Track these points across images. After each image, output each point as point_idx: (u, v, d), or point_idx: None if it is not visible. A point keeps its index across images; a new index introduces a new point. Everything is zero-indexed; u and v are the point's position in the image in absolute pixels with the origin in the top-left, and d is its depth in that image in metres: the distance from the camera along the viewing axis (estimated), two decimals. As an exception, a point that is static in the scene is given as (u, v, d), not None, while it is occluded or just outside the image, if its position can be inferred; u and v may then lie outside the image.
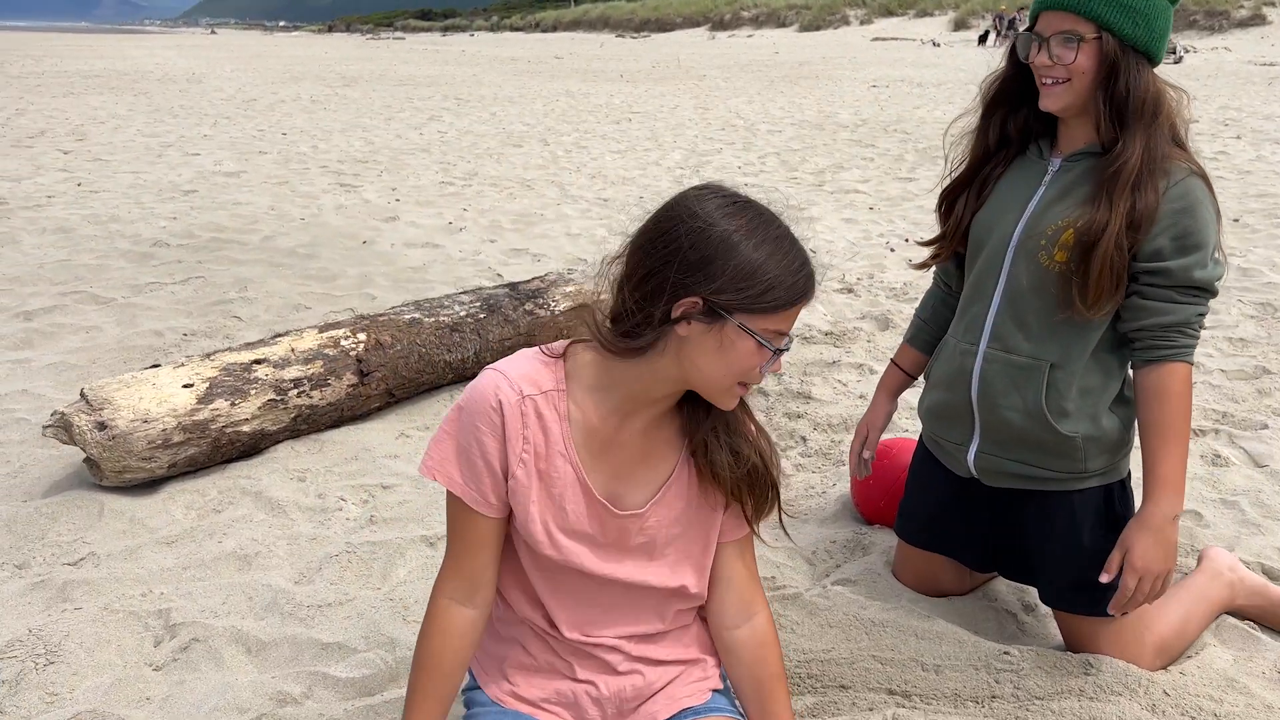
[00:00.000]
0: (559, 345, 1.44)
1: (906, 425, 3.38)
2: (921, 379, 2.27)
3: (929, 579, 2.32)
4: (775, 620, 2.18)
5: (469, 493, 1.41)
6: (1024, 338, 1.94)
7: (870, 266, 5.58)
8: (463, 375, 3.58)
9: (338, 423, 3.26)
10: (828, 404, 3.56)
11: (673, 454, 1.47)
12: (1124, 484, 2.03)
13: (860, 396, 3.62)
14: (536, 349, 1.44)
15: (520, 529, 1.44)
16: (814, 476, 3.01)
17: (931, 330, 2.27)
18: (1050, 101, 1.85)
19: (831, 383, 3.78)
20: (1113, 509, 1.99)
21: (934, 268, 2.25)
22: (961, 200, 2.08)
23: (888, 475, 2.57)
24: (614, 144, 10.77)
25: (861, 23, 45.33)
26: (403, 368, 3.36)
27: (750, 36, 45.17)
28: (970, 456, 2.05)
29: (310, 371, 3.13)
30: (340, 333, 3.29)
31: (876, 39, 37.41)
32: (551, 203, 7.47)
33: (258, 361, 3.07)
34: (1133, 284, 1.84)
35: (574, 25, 51.47)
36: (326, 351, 3.20)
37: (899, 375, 2.33)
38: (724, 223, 1.28)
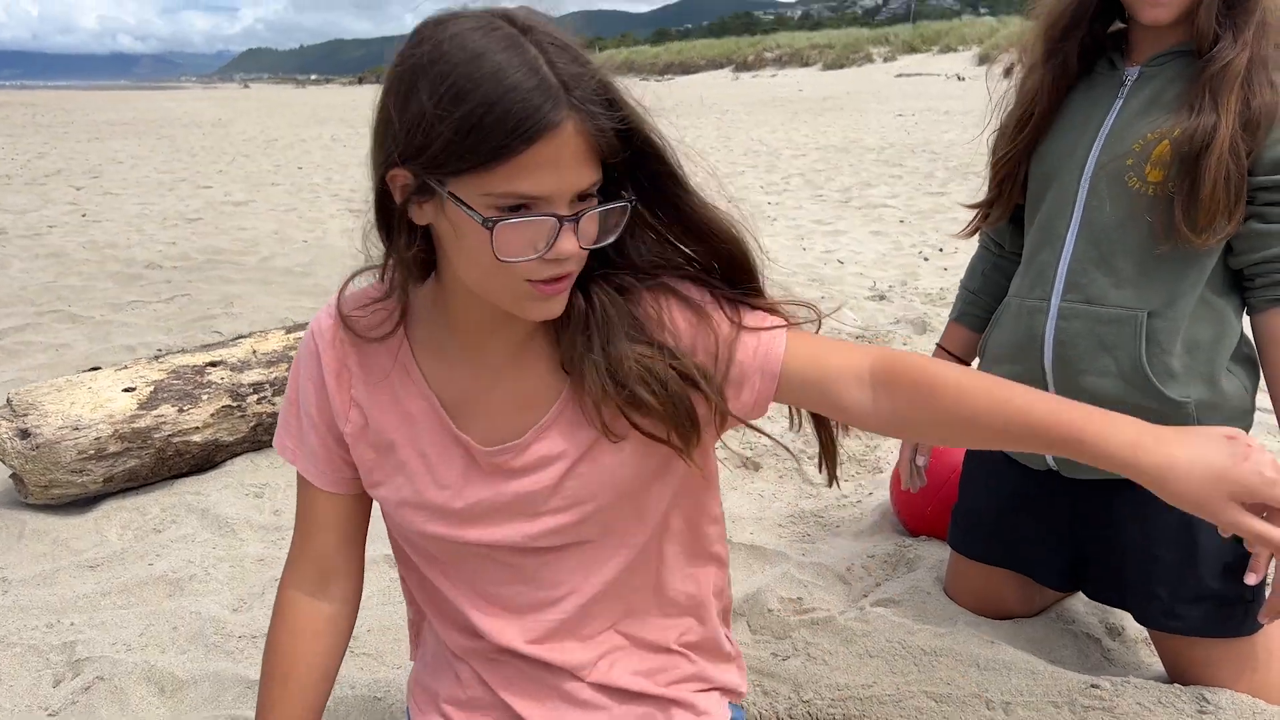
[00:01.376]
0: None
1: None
2: (977, 362, 1.87)
3: (990, 599, 1.89)
4: (804, 649, 1.77)
5: (299, 459, 1.13)
6: (1111, 283, 1.55)
7: (903, 274, 5.18)
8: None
9: (306, 434, 2.90)
10: (861, 409, 3.15)
11: (552, 382, 1.05)
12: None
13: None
14: None
15: (378, 502, 1.11)
16: (847, 485, 2.60)
17: (985, 302, 1.87)
18: (1162, 12, 1.48)
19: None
20: (1238, 499, 1.58)
21: (980, 233, 1.87)
22: (1020, 139, 1.70)
23: (937, 477, 2.15)
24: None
25: (885, 60, 45.26)
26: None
27: (774, 76, 45.14)
28: (1044, 442, 1.64)
29: (274, 375, 2.77)
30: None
31: (901, 75, 37.21)
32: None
33: (213, 364, 2.72)
34: (1250, 206, 1.46)
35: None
36: (292, 354, 2.85)
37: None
38: (426, 49, 0.88)
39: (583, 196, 0.91)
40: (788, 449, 1.34)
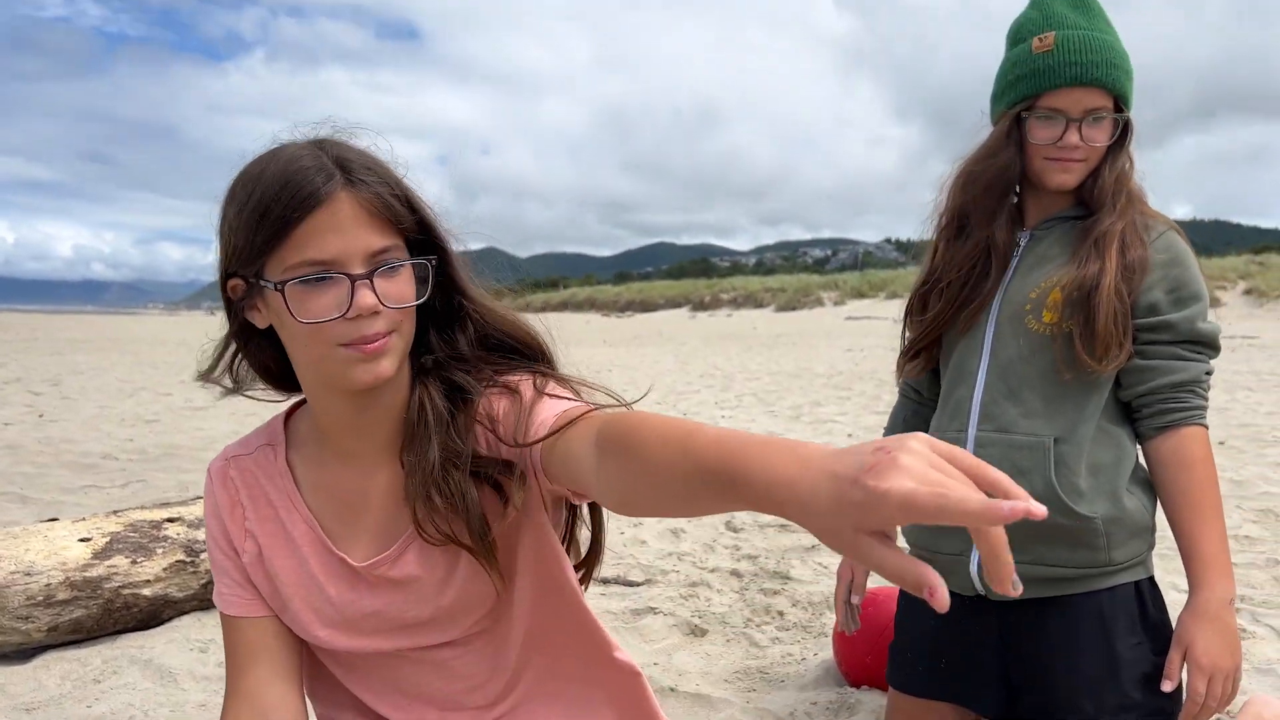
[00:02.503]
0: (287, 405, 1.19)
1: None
2: None
3: (930, 736, 1.92)
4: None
5: (221, 597, 1.16)
6: (1020, 413, 1.71)
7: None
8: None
9: (256, 595, 2.89)
10: (807, 583, 3.22)
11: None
12: (1153, 583, 1.73)
13: (843, 579, 3.29)
14: None
15: (294, 629, 1.16)
16: (793, 647, 2.64)
17: None
18: (1069, 178, 1.73)
19: (811, 565, 3.45)
20: (1147, 611, 1.69)
21: (899, 386, 2.06)
22: (935, 295, 1.91)
23: (875, 625, 2.22)
24: (592, 388, 10.78)
25: (835, 304, 47.49)
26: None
27: (729, 315, 47.09)
28: (974, 567, 1.75)
29: (229, 534, 2.81)
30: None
31: (850, 318, 39.05)
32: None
33: (171, 520, 2.76)
34: (1132, 345, 1.66)
35: (562, 306, 53.83)
36: (251, 514, 2.90)
37: None
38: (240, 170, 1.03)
39: (380, 260, 0.99)
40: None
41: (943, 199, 1.91)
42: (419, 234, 1.05)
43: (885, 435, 2.03)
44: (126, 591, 2.57)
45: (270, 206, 0.95)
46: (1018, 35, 1.75)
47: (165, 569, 2.65)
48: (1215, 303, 1.74)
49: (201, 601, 2.75)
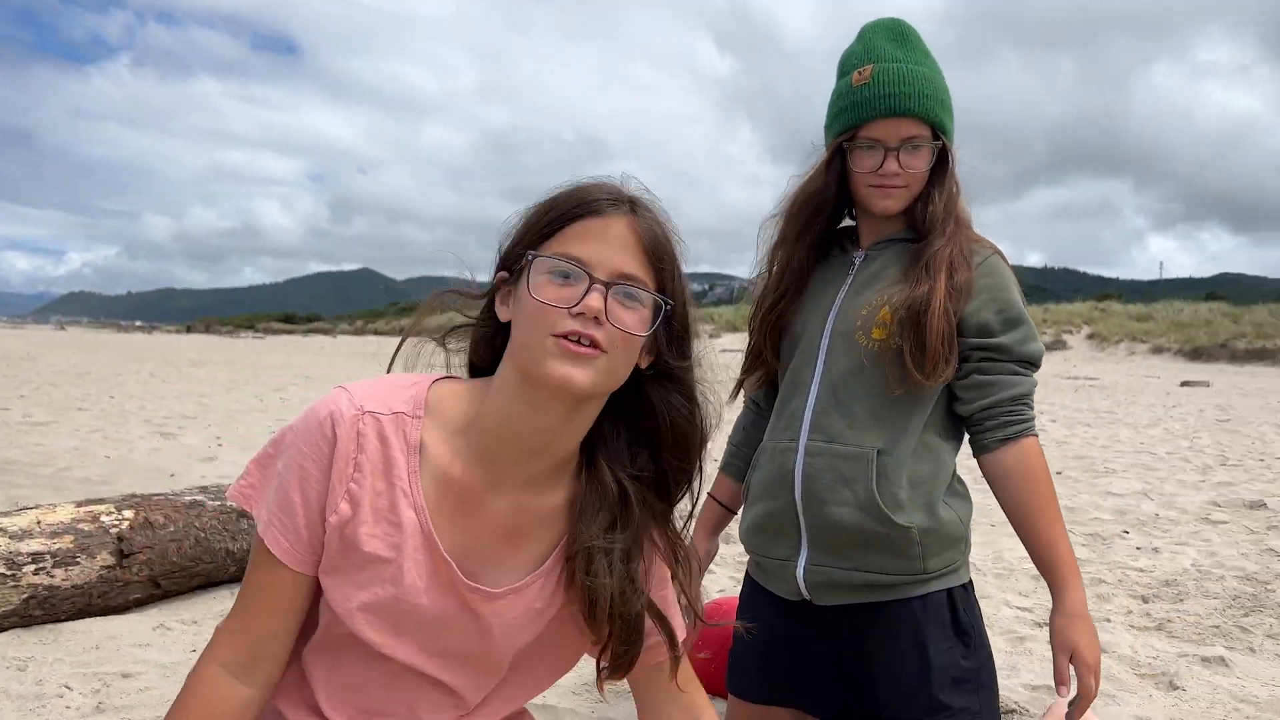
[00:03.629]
0: (425, 376, 1.18)
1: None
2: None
3: (769, 742, 1.97)
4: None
5: (272, 533, 1.09)
6: (847, 425, 1.79)
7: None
8: (249, 570, 3.13)
9: (84, 612, 2.75)
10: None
11: (549, 537, 1.18)
12: (967, 589, 1.82)
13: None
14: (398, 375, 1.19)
15: (329, 594, 1.11)
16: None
17: (746, 453, 2.10)
18: (892, 204, 1.82)
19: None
20: (959, 618, 1.78)
21: (743, 394, 2.13)
22: (775, 309, 1.99)
23: (720, 635, 2.27)
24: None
25: (711, 335, 48.22)
26: (174, 552, 2.92)
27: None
28: (800, 571, 1.81)
29: (55, 546, 2.67)
30: (103, 508, 2.86)
31: (725, 350, 39.78)
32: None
33: (-10, 531, 2.60)
34: (967, 364, 1.78)
35: (438, 330, 53.12)
36: (81, 526, 2.76)
37: (716, 509, 2.12)
38: None
39: (626, 280, 1.08)
40: None
41: (780, 218, 2.00)
42: (666, 295, 1.12)
43: (729, 442, 2.10)
44: (-64, 606, 2.41)
45: (557, 204, 1.10)
46: (843, 68, 1.83)
47: (-18, 582, 2.50)
48: (1062, 345, 1.89)
49: (23, 618, 2.60)
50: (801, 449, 1.82)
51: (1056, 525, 1.71)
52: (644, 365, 1.14)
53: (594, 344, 1.04)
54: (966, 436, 1.85)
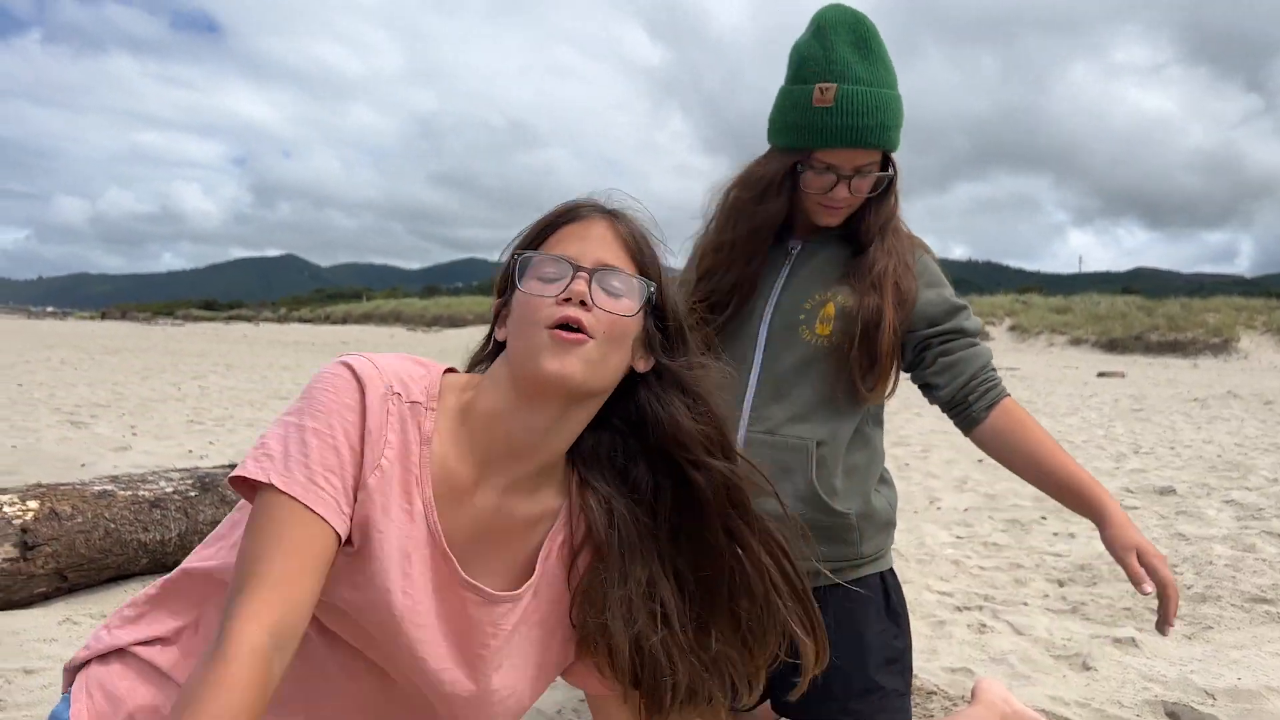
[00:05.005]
0: (434, 364, 1.17)
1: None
2: None
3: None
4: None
5: (311, 489, 0.98)
6: (787, 416, 1.79)
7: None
8: (161, 563, 3.03)
9: (-16, 607, 2.63)
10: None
11: (524, 547, 1.17)
12: (893, 572, 1.85)
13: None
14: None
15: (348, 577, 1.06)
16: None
17: None
18: (834, 218, 1.82)
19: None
20: (891, 599, 1.82)
21: None
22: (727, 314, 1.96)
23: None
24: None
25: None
26: (82, 544, 2.81)
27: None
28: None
29: (-47, 539, 2.55)
30: (5, 498, 2.74)
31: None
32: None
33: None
34: (928, 353, 1.80)
35: (365, 319, 52.01)
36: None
37: None
38: None
39: (607, 269, 1.12)
40: None
41: (713, 210, 1.95)
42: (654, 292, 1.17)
43: None
44: None
45: (545, 217, 1.18)
46: (799, 71, 1.76)
47: None
48: (985, 337, 1.89)
49: (-85, 614, 2.48)
50: (741, 440, 1.81)
51: (1067, 458, 1.70)
52: (642, 368, 1.16)
53: (581, 328, 1.07)
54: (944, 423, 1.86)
